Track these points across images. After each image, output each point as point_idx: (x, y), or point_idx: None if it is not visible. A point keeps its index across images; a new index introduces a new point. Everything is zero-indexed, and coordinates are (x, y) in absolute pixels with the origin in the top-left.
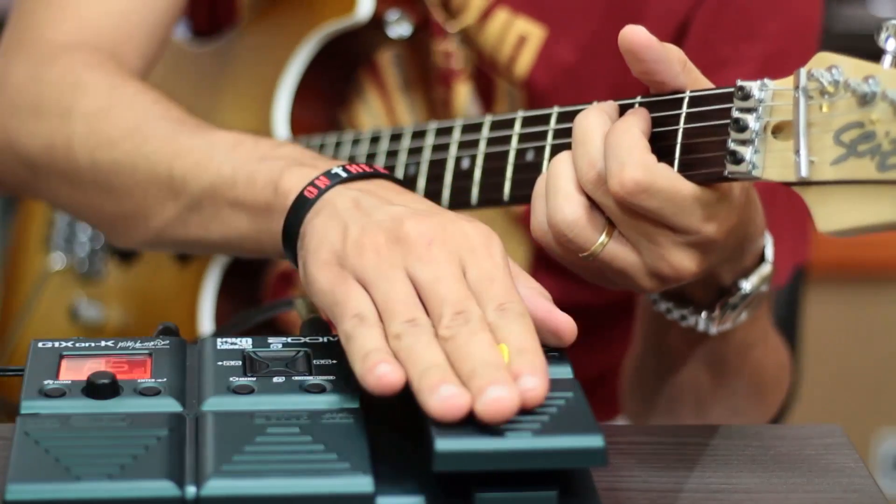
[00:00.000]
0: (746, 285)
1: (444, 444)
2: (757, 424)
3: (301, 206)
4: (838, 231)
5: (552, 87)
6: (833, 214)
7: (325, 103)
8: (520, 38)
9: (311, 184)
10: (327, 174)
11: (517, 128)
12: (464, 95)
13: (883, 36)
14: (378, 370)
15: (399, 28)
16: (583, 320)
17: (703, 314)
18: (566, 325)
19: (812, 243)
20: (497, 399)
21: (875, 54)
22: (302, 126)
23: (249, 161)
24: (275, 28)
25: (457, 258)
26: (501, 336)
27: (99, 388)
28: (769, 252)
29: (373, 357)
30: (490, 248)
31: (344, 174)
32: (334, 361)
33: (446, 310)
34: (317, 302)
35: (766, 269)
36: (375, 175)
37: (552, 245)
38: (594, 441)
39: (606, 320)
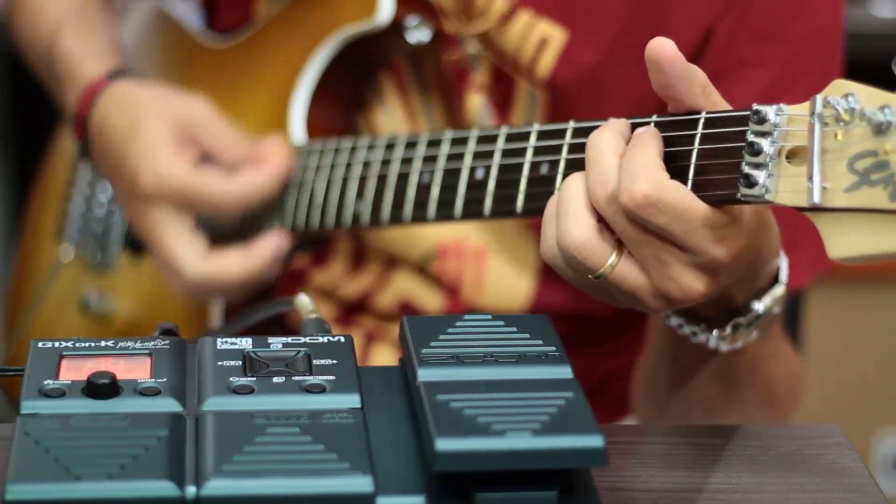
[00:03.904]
0: (759, 306)
1: (445, 444)
2: (757, 424)
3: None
4: (849, 258)
5: (574, 87)
6: (844, 241)
7: (341, 106)
8: (541, 41)
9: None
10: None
11: (532, 140)
12: (476, 105)
13: None
14: None
15: (418, 34)
16: (590, 327)
17: (715, 332)
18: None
19: None
20: None
21: (875, 55)
22: (318, 129)
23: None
24: (293, 29)
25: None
26: None
27: (99, 388)
28: (783, 274)
29: None
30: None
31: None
32: (334, 361)
33: None
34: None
35: (779, 290)
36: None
37: (562, 267)
38: (594, 441)
39: (613, 327)
